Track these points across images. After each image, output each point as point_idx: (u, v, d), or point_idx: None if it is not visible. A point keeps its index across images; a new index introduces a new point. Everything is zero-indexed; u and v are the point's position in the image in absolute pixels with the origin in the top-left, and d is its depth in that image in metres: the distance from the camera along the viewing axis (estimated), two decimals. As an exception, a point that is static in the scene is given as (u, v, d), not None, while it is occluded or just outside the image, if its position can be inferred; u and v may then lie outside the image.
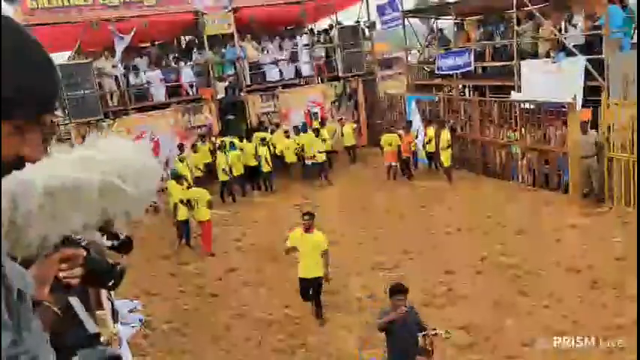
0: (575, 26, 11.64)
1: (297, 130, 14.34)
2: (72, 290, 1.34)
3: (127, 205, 1.15)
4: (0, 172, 0.86)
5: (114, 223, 1.28)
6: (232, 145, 13.20)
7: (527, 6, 11.88)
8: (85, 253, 1.28)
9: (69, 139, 13.26)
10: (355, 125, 15.51)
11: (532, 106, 11.40)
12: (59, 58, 14.91)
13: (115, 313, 4.79)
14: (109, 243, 1.63)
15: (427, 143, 13.00)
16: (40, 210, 1.01)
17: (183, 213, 9.85)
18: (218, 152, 13.11)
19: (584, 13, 11.41)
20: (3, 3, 13.24)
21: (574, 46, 11.11)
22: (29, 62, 0.83)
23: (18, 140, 0.85)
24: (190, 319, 7.36)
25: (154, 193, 1.20)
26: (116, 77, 14.20)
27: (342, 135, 15.19)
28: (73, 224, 1.10)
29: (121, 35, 13.59)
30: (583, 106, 10.32)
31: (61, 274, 1.22)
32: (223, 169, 12.66)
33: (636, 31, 10.66)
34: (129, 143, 1.21)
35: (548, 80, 11.19)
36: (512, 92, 12.22)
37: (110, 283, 1.48)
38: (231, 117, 15.42)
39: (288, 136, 14.22)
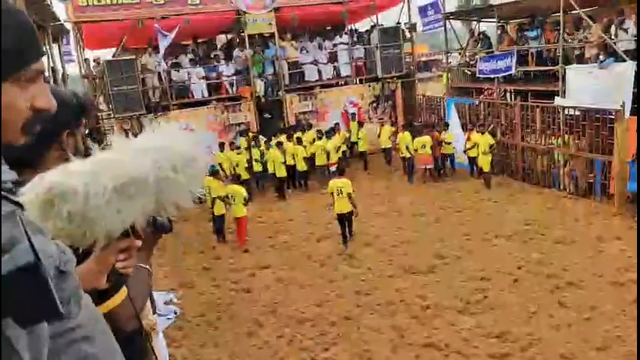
0: (626, 31, 11.21)
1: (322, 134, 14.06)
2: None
3: (178, 196, 1.19)
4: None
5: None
6: (279, 145, 13.24)
7: (575, 9, 11.52)
8: (140, 244, 1.32)
9: (111, 132, 13.70)
10: (394, 129, 15.37)
11: (577, 112, 11.05)
12: (107, 54, 15.42)
13: (152, 304, 4.91)
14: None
15: (470, 148, 12.76)
16: (107, 205, 1.06)
17: (219, 208, 10.03)
18: (255, 149, 13.29)
19: (633, 17, 10.97)
20: (55, 0, 13.76)
21: (624, 51, 10.71)
22: None
23: (25, 93, 0.86)
24: (223, 313, 7.47)
25: (201, 183, 1.23)
26: (159, 73, 14.56)
27: (379, 136, 15.08)
28: (133, 217, 1.14)
29: (164, 33, 13.90)
30: (632, 113, 9.93)
31: (117, 265, 1.27)
32: (281, 165, 12.75)
33: (637, 36, 10.32)
34: (180, 133, 1.25)
35: (595, 86, 10.81)
36: (556, 97, 11.87)
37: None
38: (267, 116, 15.56)
39: (320, 138, 14.05)
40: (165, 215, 1.31)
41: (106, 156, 1.13)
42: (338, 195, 9.12)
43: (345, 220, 9.28)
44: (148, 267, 1.55)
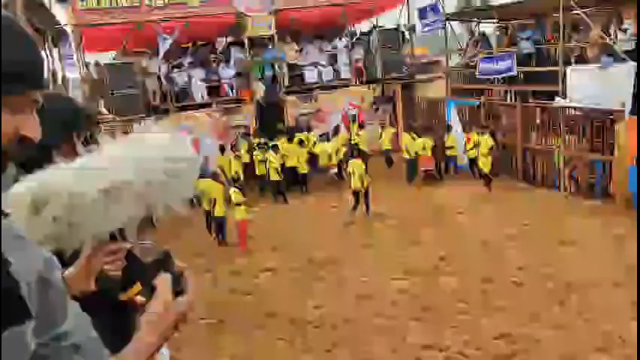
0: (625, 31, 11.22)
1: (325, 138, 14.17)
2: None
3: (169, 199, 1.18)
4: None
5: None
6: (275, 148, 13.20)
7: (575, 9, 11.52)
8: (128, 246, 1.31)
9: (112, 135, 13.68)
10: (394, 130, 15.36)
11: (577, 113, 11.05)
12: (106, 57, 15.42)
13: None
14: None
15: (471, 149, 12.75)
16: (94, 209, 1.05)
17: (220, 210, 10.03)
18: (258, 151, 13.27)
19: (633, 17, 10.98)
20: (54, 3, 13.79)
21: (624, 51, 10.71)
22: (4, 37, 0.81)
23: (14, 119, 0.85)
24: (225, 316, 7.45)
25: (192, 187, 1.23)
26: (159, 76, 14.57)
27: (381, 138, 15.08)
28: (121, 220, 1.13)
29: (164, 36, 13.91)
30: (632, 113, 9.92)
31: (105, 267, 1.26)
32: (275, 168, 12.72)
33: (637, 36, 10.33)
34: (171, 136, 1.24)
35: (595, 86, 10.81)
36: (557, 98, 11.87)
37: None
38: (266, 118, 15.55)
39: (322, 141, 14.09)
40: (156, 217, 1.30)
41: (93, 159, 1.13)
42: (352, 174, 10.68)
43: (358, 195, 10.80)
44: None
